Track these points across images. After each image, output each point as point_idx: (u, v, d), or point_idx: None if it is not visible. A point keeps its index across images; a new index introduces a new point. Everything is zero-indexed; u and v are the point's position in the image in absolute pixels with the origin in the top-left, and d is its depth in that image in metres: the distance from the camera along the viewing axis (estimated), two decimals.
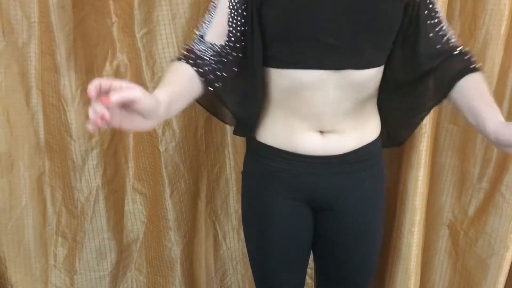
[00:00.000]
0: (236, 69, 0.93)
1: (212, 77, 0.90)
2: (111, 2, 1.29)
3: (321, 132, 0.94)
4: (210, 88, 0.90)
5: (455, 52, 0.93)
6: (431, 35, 0.93)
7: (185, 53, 0.92)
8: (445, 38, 0.94)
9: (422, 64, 0.93)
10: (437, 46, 0.93)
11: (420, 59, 0.93)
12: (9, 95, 1.33)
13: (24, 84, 1.35)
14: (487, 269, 1.29)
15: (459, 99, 0.89)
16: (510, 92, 1.21)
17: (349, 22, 0.86)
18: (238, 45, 0.93)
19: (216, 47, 0.92)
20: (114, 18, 1.31)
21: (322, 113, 0.92)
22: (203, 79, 0.89)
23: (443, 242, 1.37)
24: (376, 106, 1.01)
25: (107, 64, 1.35)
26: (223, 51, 0.93)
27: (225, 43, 0.93)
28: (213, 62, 0.91)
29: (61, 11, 1.24)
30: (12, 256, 1.43)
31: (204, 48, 0.92)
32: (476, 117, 0.83)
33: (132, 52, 1.31)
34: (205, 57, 0.91)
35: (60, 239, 1.49)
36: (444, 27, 0.94)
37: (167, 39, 1.28)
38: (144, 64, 1.29)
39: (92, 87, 0.64)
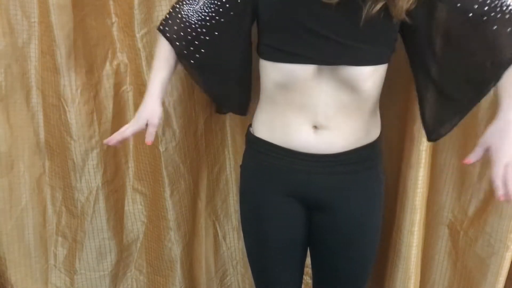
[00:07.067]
0: (217, 33, 0.96)
1: (187, 52, 0.99)
2: (111, 2, 1.29)
3: (315, 127, 0.93)
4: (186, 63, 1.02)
5: (506, 16, 0.81)
6: (458, 4, 0.84)
7: (167, 16, 1.02)
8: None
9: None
10: (469, 15, 0.83)
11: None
12: (9, 95, 1.33)
13: (24, 84, 1.35)
14: (487, 269, 1.28)
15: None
16: None
17: (346, 15, 0.83)
18: (222, 10, 0.94)
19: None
20: (114, 18, 1.31)
21: (316, 104, 0.90)
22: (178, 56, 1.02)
23: (443, 242, 1.37)
24: (377, 108, 0.99)
25: (107, 64, 1.35)
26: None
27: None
28: (197, 27, 0.96)
29: (61, 11, 1.24)
30: (12, 256, 1.43)
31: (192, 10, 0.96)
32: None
33: (132, 52, 1.31)
34: (191, 21, 0.97)
35: (60, 239, 1.48)
36: None
37: None
38: (144, 64, 1.28)
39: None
